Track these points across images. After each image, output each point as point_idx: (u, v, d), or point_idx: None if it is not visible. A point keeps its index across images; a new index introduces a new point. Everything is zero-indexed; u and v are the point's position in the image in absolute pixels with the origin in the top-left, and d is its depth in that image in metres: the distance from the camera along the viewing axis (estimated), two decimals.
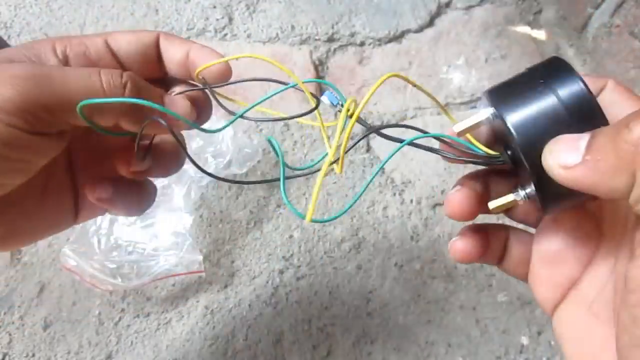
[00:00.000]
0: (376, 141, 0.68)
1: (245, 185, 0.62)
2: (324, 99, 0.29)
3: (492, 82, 0.72)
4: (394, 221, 0.61)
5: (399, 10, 0.77)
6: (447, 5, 0.79)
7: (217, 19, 0.74)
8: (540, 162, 0.23)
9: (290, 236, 0.60)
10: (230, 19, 0.74)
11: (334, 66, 0.73)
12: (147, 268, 0.52)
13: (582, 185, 0.21)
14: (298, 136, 0.66)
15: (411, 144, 0.30)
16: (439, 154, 0.30)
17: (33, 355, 0.52)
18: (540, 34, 0.78)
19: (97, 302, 0.54)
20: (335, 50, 0.74)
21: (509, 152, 0.27)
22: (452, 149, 0.30)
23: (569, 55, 0.75)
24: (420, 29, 0.76)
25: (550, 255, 0.27)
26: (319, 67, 0.72)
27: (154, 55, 0.31)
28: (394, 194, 0.63)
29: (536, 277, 0.28)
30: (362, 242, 0.60)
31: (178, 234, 0.54)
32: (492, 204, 0.27)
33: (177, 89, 0.31)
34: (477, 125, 0.27)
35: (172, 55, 0.31)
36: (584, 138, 0.21)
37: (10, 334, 0.53)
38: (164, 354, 0.53)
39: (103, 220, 0.54)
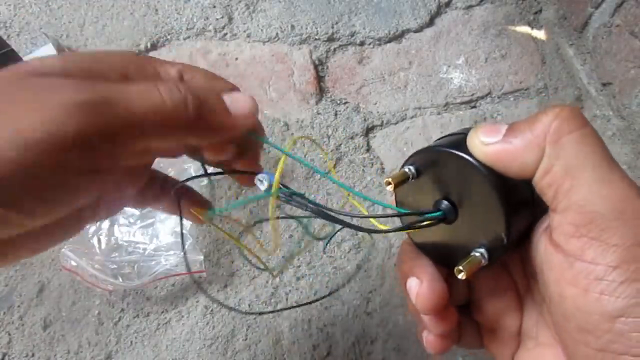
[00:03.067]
0: (376, 141, 0.68)
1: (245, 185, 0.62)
2: (258, 182, 0.26)
3: (492, 81, 0.73)
4: (394, 221, 0.61)
5: (399, 9, 0.77)
6: (447, 4, 0.78)
7: (217, 19, 0.73)
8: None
9: (290, 236, 0.60)
10: (230, 19, 0.74)
11: (333, 66, 0.73)
12: (148, 268, 0.52)
13: (498, 161, 0.23)
14: (298, 136, 0.66)
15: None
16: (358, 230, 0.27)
17: (33, 355, 0.52)
18: (540, 34, 0.78)
19: (97, 302, 0.54)
20: (335, 49, 0.74)
21: (442, 206, 0.25)
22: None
23: (569, 55, 0.75)
24: (420, 29, 0.76)
25: (491, 319, 0.29)
26: (319, 66, 0.72)
27: None
28: (394, 194, 0.63)
29: (489, 342, 0.30)
30: (362, 242, 0.60)
31: (178, 234, 0.54)
32: (459, 268, 0.24)
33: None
34: (402, 177, 0.26)
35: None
36: (505, 125, 0.24)
37: (10, 334, 0.53)
38: (164, 354, 0.53)
39: (103, 221, 0.54)
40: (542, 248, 0.24)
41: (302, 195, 0.25)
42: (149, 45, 0.71)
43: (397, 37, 0.75)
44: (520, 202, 0.24)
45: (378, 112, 0.70)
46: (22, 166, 0.18)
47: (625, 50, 0.68)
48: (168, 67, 0.26)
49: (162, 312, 0.54)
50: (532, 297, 0.28)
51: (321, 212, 0.25)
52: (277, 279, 0.57)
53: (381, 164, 0.65)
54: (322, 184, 0.63)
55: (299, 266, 0.58)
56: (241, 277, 0.57)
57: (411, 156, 0.27)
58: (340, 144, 0.66)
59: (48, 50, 0.66)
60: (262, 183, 0.26)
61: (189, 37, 0.72)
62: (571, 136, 0.22)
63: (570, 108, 0.22)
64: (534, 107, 0.71)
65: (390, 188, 0.26)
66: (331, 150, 0.65)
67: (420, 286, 0.26)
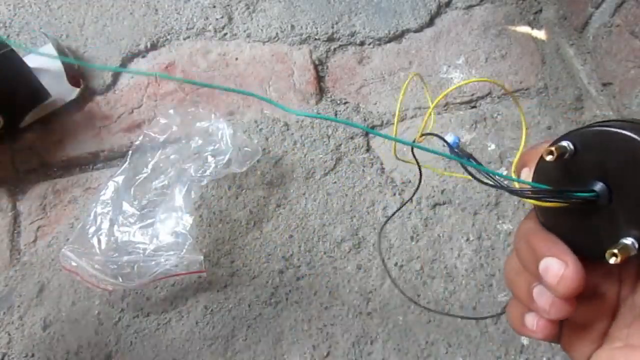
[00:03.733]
0: (376, 141, 0.67)
1: (246, 185, 0.62)
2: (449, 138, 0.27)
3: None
4: (394, 221, 0.61)
5: (399, 9, 0.77)
6: (447, 4, 0.78)
7: (217, 19, 0.73)
8: None
9: (290, 236, 0.60)
10: (230, 19, 0.74)
11: (333, 66, 0.73)
12: (148, 268, 0.52)
13: None
14: (298, 136, 0.66)
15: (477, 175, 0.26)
16: (522, 197, 0.26)
17: (32, 355, 0.52)
18: (540, 34, 0.78)
19: (97, 302, 0.54)
20: (335, 49, 0.74)
21: (596, 187, 0.23)
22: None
23: (569, 55, 0.75)
24: (420, 29, 0.76)
25: (580, 317, 0.27)
26: (319, 66, 0.72)
27: None
28: (394, 194, 0.63)
29: (569, 337, 0.28)
30: (362, 242, 0.60)
31: (178, 233, 0.54)
32: (613, 251, 0.22)
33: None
34: (560, 151, 0.24)
35: None
36: None
37: (9, 334, 0.52)
38: (164, 354, 0.52)
39: (103, 221, 0.54)
40: None
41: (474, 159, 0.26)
42: (148, 45, 0.71)
43: (397, 37, 0.75)
44: None
45: (378, 112, 0.70)
46: None
47: (625, 50, 0.68)
48: None
49: (162, 312, 0.54)
50: (633, 301, 0.26)
51: (482, 175, 0.25)
52: (277, 279, 0.57)
53: (381, 164, 0.65)
54: (322, 184, 0.63)
55: (299, 266, 0.58)
56: (241, 277, 0.57)
57: (570, 132, 0.24)
58: (340, 144, 0.66)
59: (48, 50, 0.66)
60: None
61: (188, 37, 0.72)
62: None
63: None
64: (534, 107, 0.71)
65: (551, 158, 0.23)
66: (331, 150, 0.65)
67: (567, 269, 0.24)
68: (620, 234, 0.23)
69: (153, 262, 0.52)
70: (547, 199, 0.24)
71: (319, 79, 0.71)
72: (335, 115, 0.68)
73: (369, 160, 0.65)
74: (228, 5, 0.75)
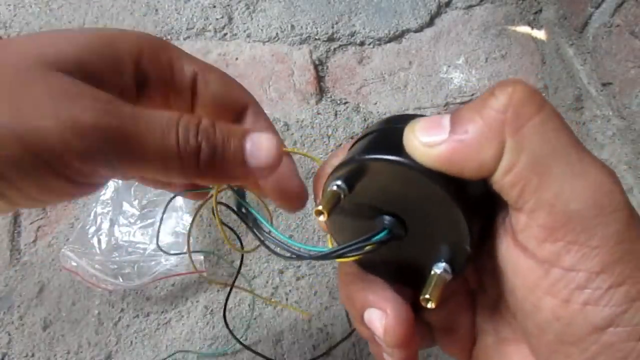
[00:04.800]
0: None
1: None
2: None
3: (492, 81, 0.73)
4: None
5: (399, 9, 0.77)
6: (447, 4, 0.78)
7: (217, 19, 0.73)
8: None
9: (290, 236, 0.60)
10: (230, 19, 0.74)
11: (333, 66, 0.73)
12: (148, 268, 0.52)
13: (450, 164, 0.19)
14: (298, 136, 0.66)
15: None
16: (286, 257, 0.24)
17: (32, 355, 0.52)
18: (540, 34, 0.78)
19: (97, 302, 0.54)
20: (335, 49, 0.74)
21: (386, 222, 0.21)
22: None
23: (569, 55, 0.75)
24: (420, 29, 0.76)
25: (442, 318, 0.26)
26: (319, 66, 0.72)
27: (234, 120, 0.27)
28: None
29: (442, 340, 0.27)
30: None
31: (178, 233, 0.54)
32: (425, 297, 0.20)
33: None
34: (333, 198, 0.21)
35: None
36: (445, 117, 0.20)
37: (9, 334, 0.52)
38: (164, 354, 0.53)
39: (103, 221, 0.54)
40: (504, 250, 0.20)
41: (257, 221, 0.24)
42: None
43: (397, 37, 0.75)
44: (476, 202, 0.21)
45: (378, 112, 0.70)
46: (18, 166, 0.19)
47: (625, 50, 0.68)
48: (184, 64, 0.25)
49: (162, 312, 0.54)
50: (485, 292, 0.25)
51: (269, 242, 0.24)
52: (277, 279, 0.57)
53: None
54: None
55: (299, 266, 0.58)
56: (241, 277, 0.57)
57: (336, 169, 0.22)
58: (340, 144, 0.66)
59: None
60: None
61: (189, 37, 0.72)
62: (533, 122, 0.18)
63: (523, 85, 0.18)
64: None
65: (322, 218, 0.21)
66: (331, 150, 0.65)
67: (387, 318, 0.22)
68: (432, 261, 0.21)
69: (153, 262, 0.52)
70: (346, 255, 0.22)
71: (319, 79, 0.71)
72: (335, 115, 0.68)
73: None
74: (228, 5, 0.75)
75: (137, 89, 0.24)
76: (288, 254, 0.23)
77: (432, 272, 0.21)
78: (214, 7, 0.74)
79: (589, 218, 0.17)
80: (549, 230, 0.18)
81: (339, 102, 0.70)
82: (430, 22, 0.77)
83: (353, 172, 0.21)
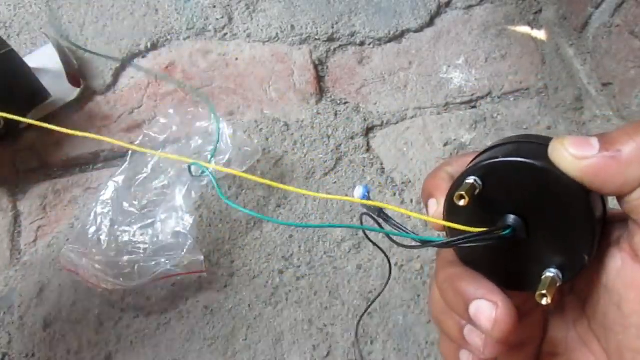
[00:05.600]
0: (376, 141, 0.68)
1: (245, 186, 0.62)
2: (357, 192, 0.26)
3: (492, 81, 0.73)
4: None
5: (399, 9, 0.77)
6: (447, 4, 0.78)
7: (217, 19, 0.74)
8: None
9: (290, 236, 0.60)
10: (230, 19, 0.74)
11: (334, 66, 0.73)
12: (148, 268, 0.52)
13: (595, 178, 0.20)
14: (298, 136, 0.66)
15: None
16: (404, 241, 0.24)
17: (33, 355, 0.52)
18: (540, 34, 0.78)
19: (97, 302, 0.54)
20: (335, 50, 0.74)
21: (510, 222, 0.23)
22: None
23: (569, 55, 0.75)
24: (420, 29, 0.76)
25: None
26: (319, 66, 0.72)
27: None
28: (394, 194, 0.63)
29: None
30: (362, 242, 0.60)
31: (179, 233, 0.54)
32: (542, 292, 0.21)
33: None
34: (470, 190, 0.23)
35: None
36: (593, 137, 0.21)
37: (10, 334, 0.53)
38: (164, 354, 0.53)
39: (103, 221, 0.54)
40: (617, 265, 0.22)
41: (384, 215, 0.25)
42: (149, 45, 0.71)
43: (397, 37, 0.75)
44: (600, 218, 0.22)
45: (378, 112, 0.70)
46: None
47: (625, 50, 0.68)
48: None
49: (162, 312, 0.54)
50: (562, 313, 0.26)
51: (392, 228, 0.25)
52: (277, 279, 0.57)
53: (381, 164, 0.66)
54: (322, 184, 0.63)
55: (299, 266, 0.58)
56: (241, 277, 0.57)
57: (473, 165, 0.24)
58: (341, 144, 0.66)
59: (48, 50, 0.66)
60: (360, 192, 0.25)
61: (189, 37, 0.72)
62: None
63: None
64: (534, 107, 0.71)
65: (464, 203, 0.22)
66: (331, 150, 0.65)
67: (498, 309, 0.22)
68: (542, 266, 0.23)
69: (153, 262, 0.52)
70: (464, 244, 0.23)
71: (319, 79, 0.71)
72: (335, 115, 0.68)
73: (369, 160, 0.65)
74: (228, 6, 0.75)
75: None
76: (413, 243, 0.24)
77: (545, 275, 0.22)
78: (214, 7, 0.74)
79: None
80: None
81: (339, 102, 0.70)
82: (430, 22, 0.77)
83: (490, 170, 0.23)
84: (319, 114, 0.68)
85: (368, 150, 0.67)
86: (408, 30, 0.76)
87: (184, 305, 0.55)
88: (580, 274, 0.22)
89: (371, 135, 0.68)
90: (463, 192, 0.22)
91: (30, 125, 0.64)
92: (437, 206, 0.25)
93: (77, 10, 0.73)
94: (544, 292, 0.21)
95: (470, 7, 0.79)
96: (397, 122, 0.70)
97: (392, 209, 0.25)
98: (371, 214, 0.25)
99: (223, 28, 0.73)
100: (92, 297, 0.55)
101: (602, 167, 0.20)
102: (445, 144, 0.68)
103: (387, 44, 0.75)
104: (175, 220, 0.54)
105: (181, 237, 0.54)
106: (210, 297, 0.55)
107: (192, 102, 0.68)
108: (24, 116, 0.62)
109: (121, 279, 0.52)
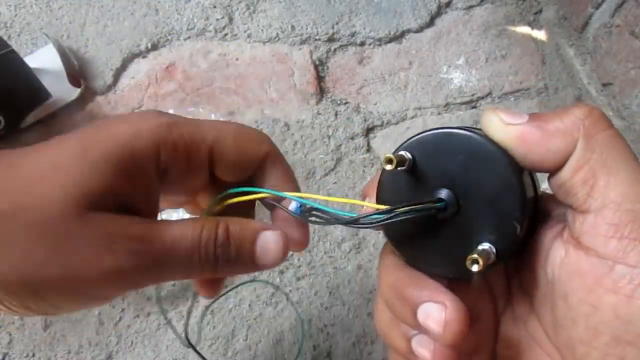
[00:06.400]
0: (376, 141, 0.68)
1: None
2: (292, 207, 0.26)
3: (493, 82, 0.73)
4: None
5: (399, 10, 0.77)
6: (448, 5, 0.79)
7: (217, 19, 0.74)
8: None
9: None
10: (231, 19, 0.74)
11: (334, 66, 0.73)
12: None
13: (522, 143, 0.21)
14: (298, 136, 0.66)
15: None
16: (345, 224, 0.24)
17: (33, 355, 0.52)
18: (540, 34, 0.78)
19: None
20: (335, 50, 0.74)
21: (442, 195, 0.22)
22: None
23: (569, 55, 0.75)
24: (420, 29, 0.76)
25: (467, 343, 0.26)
26: (319, 67, 0.72)
27: (249, 170, 0.28)
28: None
29: None
30: (362, 242, 0.60)
31: None
32: (473, 256, 0.21)
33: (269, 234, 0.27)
34: (400, 159, 0.23)
35: (270, 183, 0.28)
36: (525, 113, 0.22)
37: (10, 334, 0.53)
38: (164, 354, 0.53)
39: None
40: (563, 255, 0.22)
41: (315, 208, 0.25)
42: (149, 45, 0.71)
43: (398, 37, 0.75)
44: (530, 197, 0.22)
45: (378, 112, 0.70)
46: (64, 297, 0.23)
47: (625, 51, 0.68)
48: (201, 135, 0.26)
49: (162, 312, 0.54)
50: (513, 313, 0.26)
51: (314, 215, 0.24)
52: (278, 279, 0.57)
53: (381, 164, 0.65)
54: (322, 184, 0.63)
55: (300, 266, 0.58)
56: (242, 277, 0.57)
57: (406, 141, 0.24)
58: (341, 144, 0.66)
59: (49, 50, 0.66)
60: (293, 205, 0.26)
61: (189, 37, 0.72)
62: (605, 133, 0.21)
63: (598, 109, 0.22)
64: (534, 107, 0.71)
65: (390, 167, 0.22)
66: (331, 151, 0.65)
67: (447, 310, 0.22)
68: (475, 242, 0.22)
69: None
70: (398, 218, 0.22)
71: (319, 79, 0.71)
72: (336, 115, 0.68)
73: (369, 161, 0.65)
74: (228, 6, 0.75)
75: (160, 177, 0.26)
76: (340, 221, 0.24)
77: (478, 247, 0.22)
78: (215, 7, 0.74)
79: None
80: (616, 227, 0.19)
81: (339, 102, 0.70)
82: (431, 23, 0.77)
83: (419, 143, 0.23)
84: (319, 114, 0.68)
85: (368, 150, 0.67)
86: (408, 31, 0.76)
87: (184, 305, 0.55)
88: (515, 249, 0.22)
89: (371, 135, 0.68)
90: (391, 155, 0.22)
91: (30, 126, 0.64)
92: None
93: (77, 10, 0.73)
94: (475, 256, 0.21)
95: (470, 7, 0.79)
96: (397, 122, 0.70)
97: (319, 198, 0.25)
98: (305, 216, 0.25)
99: (223, 28, 0.73)
100: None
101: (527, 133, 0.21)
102: None
103: (387, 44, 0.75)
104: (176, 219, 0.54)
105: None
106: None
107: (192, 102, 0.68)
108: (24, 116, 0.63)
109: None
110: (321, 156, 0.65)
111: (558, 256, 0.22)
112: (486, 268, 0.21)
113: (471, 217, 0.22)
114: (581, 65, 0.74)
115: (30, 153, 0.23)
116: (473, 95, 0.72)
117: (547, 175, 0.23)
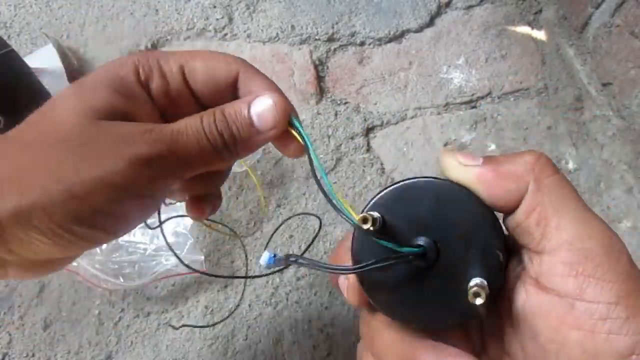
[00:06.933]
0: (376, 141, 0.68)
1: (246, 186, 0.62)
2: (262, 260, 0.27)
3: (492, 81, 0.73)
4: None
5: (399, 10, 0.77)
6: (447, 5, 0.79)
7: (217, 19, 0.74)
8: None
9: (291, 236, 0.60)
10: (230, 19, 0.74)
11: (334, 66, 0.73)
12: (148, 268, 0.52)
13: (482, 183, 0.23)
14: None
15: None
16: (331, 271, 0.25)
17: (33, 355, 0.52)
18: (540, 34, 0.78)
19: (97, 302, 0.54)
20: (335, 50, 0.74)
21: (420, 241, 0.23)
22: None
23: (569, 55, 0.75)
24: (420, 29, 0.76)
25: None
26: (319, 67, 0.72)
27: (231, 91, 0.30)
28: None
29: None
30: None
31: (179, 233, 0.54)
32: (477, 292, 0.21)
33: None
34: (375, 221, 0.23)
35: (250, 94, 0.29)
36: (478, 156, 0.23)
37: (10, 334, 0.53)
38: (164, 354, 0.53)
39: None
40: (525, 297, 0.23)
41: (296, 257, 0.26)
42: (149, 45, 0.71)
43: (397, 37, 0.75)
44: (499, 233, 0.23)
45: (378, 112, 0.70)
46: (110, 203, 0.24)
47: (625, 50, 0.68)
48: (171, 62, 0.28)
49: (163, 312, 0.54)
50: (488, 357, 0.26)
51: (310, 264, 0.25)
52: (277, 279, 0.57)
53: (381, 164, 0.66)
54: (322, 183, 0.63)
55: (300, 266, 0.58)
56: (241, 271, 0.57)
57: (368, 203, 0.24)
58: (341, 144, 0.66)
59: (48, 50, 0.66)
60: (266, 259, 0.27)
61: (189, 37, 0.72)
62: (553, 177, 0.22)
63: (545, 155, 0.23)
64: (534, 107, 0.71)
65: (367, 226, 0.22)
66: (331, 150, 0.65)
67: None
68: (465, 280, 0.22)
69: (154, 262, 0.52)
70: (381, 264, 0.23)
71: (319, 79, 0.71)
72: (336, 115, 0.68)
73: (369, 161, 0.65)
74: (228, 6, 0.75)
75: (146, 90, 0.29)
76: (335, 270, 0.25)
77: (470, 284, 0.22)
78: (214, 7, 0.74)
79: (601, 256, 0.20)
80: (570, 265, 0.21)
81: (339, 102, 0.70)
82: (430, 23, 0.77)
83: (385, 200, 0.24)
84: (319, 114, 0.68)
85: (368, 150, 0.67)
86: (408, 31, 0.76)
87: (184, 305, 0.55)
88: (502, 278, 0.23)
89: (371, 135, 0.68)
90: (366, 215, 0.22)
91: None
92: (346, 278, 0.26)
93: (77, 10, 0.73)
94: (475, 289, 0.21)
95: (470, 7, 0.79)
96: (397, 122, 0.70)
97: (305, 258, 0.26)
98: (289, 262, 0.26)
99: (223, 28, 0.73)
100: (92, 297, 0.55)
101: (483, 175, 0.23)
102: (446, 144, 0.68)
103: (387, 44, 0.75)
104: (176, 220, 0.54)
105: (181, 237, 0.54)
106: (210, 297, 0.55)
107: None
108: (24, 116, 0.63)
109: (121, 279, 0.52)
110: (321, 156, 0.65)
111: (520, 299, 0.23)
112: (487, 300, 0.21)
113: (453, 258, 0.23)
114: (581, 65, 0.74)
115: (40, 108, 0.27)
116: (473, 95, 0.72)
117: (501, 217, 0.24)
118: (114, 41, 0.71)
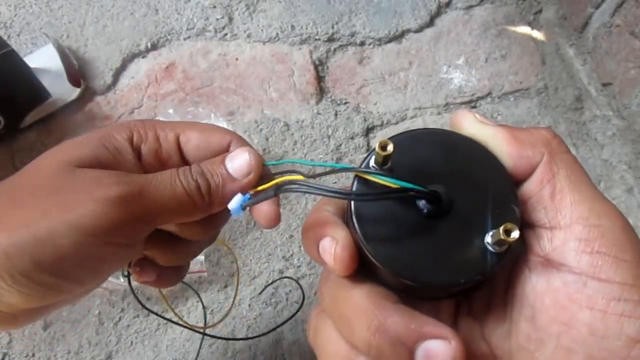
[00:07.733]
0: (376, 141, 0.67)
1: None
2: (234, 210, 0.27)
3: (492, 81, 0.73)
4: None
5: (399, 10, 0.77)
6: (447, 5, 0.79)
7: (217, 19, 0.74)
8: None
9: (291, 236, 0.60)
10: (230, 19, 0.74)
11: (334, 66, 0.73)
12: None
13: (494, 141, 0.23)
14: (298, 136, 0.66)
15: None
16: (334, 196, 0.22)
17: (33, 355, 0.52)
18: (540, 34, 0.78)
19: (97, 302, 0.54)
20: (335, 50, 0.74)
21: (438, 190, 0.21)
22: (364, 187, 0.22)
23: (569, 55, 0.75)
24: (420, 29, 0.76)
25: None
26: (319, 67, 0.72)
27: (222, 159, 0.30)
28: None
29: None
30: None
31: None
32: (509, 228, 0.19)
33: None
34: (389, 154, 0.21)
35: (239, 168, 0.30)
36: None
37: (10, 334, 0.53)
38: (164, 354, 0.53)
39: None
40: (528, 275, 0.22)
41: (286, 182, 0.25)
42: (149, 45, 0.71)
43: (397, 37, 0.75)
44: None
45: (378, 112, 0.70)
46: (75, 248, 0.23)
47: (625, 50, 0.68)
48: (167, 131, 0.29)
49: (163, 312, 0.54)
50: (478, 345, 0.25)
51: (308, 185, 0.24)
52: (277, 279, 0.57)
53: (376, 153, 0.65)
54: (323, 184, 0.63)
55: (299, 266, 0.58)
56: (241, 277, 0.57)
57: (389, 139, 0.22)
58: (341, 144, 0.66)
59: (48, 50, 0.66)
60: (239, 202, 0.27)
61: (189, 37, 0.72)
62: (568, 155, 0.22)
63: (559, 136, 0.23)
64: (534, 107, 0.71)
65: (390, 148, 0.20)
66: (331, 151, 0.65)
67: (450, 348, 0.19)
68: (482, 237, 0.20)
69: None
70: (396, 195, 0.21)
71: (319, 79, 0.71)
72: (336, 115, 0.68)
73: None
74: (228, 6, 0.75)
75: (139, 161, 0.29)
76: (342, 195, 0.22)
77: (490, 232, 0.21)
78: (214, 7, 0.74)
79: (618, 234, 0.20)
80: (585, 241, 0.20)
81: (339, 102, 0.70)
82: (430, 23, 0.77)
83: (402, 145, 0.22)
84: (319, 114, 0.68)
85: (368, 150, 0.67)
86: (408, 31, 0.76)
87: (184, 305, 0.55)
88: (521, 234, 0.20)
89: (371, 135, 0.68)
90: (387, 140, 0.20)
91: (30, 125, 0.64)
92: (334, 242, 0.22)
93: (77, 10, 0.73)
94: (507, 225, 0.19)
95: (470, 7, 0.79)
96: (397, 122, 0.70)
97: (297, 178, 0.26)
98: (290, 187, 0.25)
99: (223, 28, 0.73)
100: (92, 297, 0.55)
101: (500, 133, 0.23)
102: None
103: (387, 44, 0.75)
104: None
105: None
106: (210, 297, 0.55)
107: (192, 102, 0.68)
108: (24, 116, 0.63)
109: (121, 279, 0.52)
110: (321, 156, 0.65)
111: (522, 277, 0.22)
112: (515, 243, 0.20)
113: (468, 210, 0.21)
114: (581, 65, 0.74)
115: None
116: (473, 95, 0.72)
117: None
118: (114, 41, 0.71)
